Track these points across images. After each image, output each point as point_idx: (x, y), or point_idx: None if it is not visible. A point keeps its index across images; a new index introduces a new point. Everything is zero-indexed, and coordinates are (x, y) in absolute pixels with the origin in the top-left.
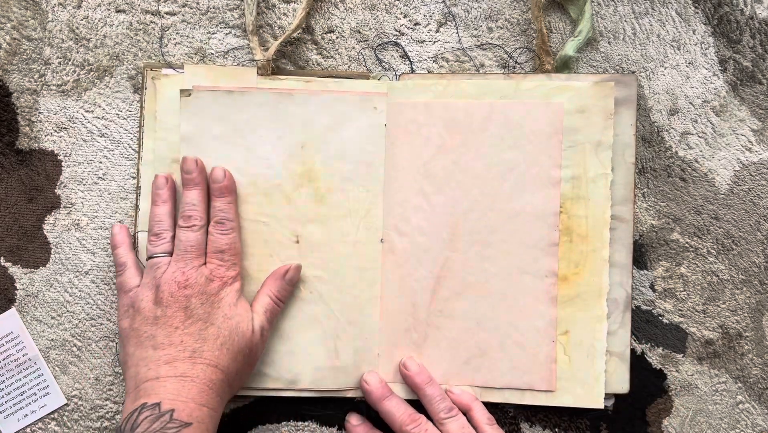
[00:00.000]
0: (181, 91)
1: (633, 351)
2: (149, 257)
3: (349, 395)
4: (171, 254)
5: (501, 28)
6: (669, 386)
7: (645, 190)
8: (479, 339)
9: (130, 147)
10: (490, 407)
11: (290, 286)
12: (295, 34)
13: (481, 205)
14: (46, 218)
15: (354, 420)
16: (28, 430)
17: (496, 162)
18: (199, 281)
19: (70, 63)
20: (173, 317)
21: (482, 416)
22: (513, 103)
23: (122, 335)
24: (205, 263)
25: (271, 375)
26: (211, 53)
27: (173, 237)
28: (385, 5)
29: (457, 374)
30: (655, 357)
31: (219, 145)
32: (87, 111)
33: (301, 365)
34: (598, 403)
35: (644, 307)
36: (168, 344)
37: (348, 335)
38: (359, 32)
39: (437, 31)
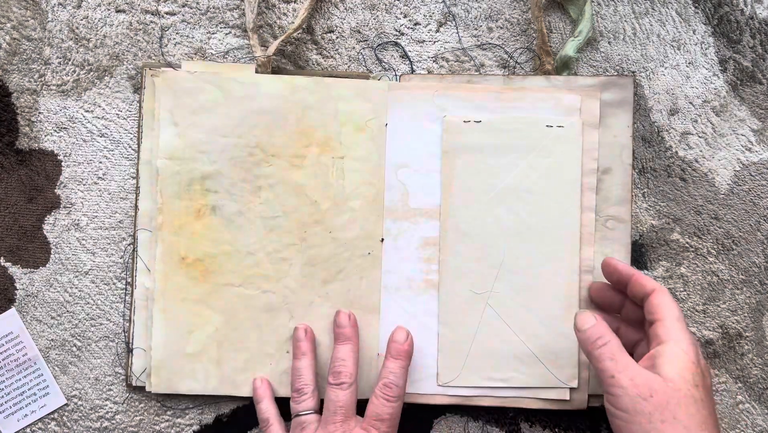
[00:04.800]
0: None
1: None
2: (294, 415)
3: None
4: (316, 410)
5: (501, 28)
6: None
7: (645, 190)
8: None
9: (130, 147)
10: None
11: None
12: (295, 34)
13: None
14: (46, 218)
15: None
16: (28, 430)
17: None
18: None
19: (70, 63)
20: None
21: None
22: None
23: None
24: (355, 426)
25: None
26: (211, 53)
27: (314, 391)
28: (385, 5)
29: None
30: None
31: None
32: (87, 111)
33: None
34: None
35: None
36: None
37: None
38: (359, 32)
39: (437, 31)
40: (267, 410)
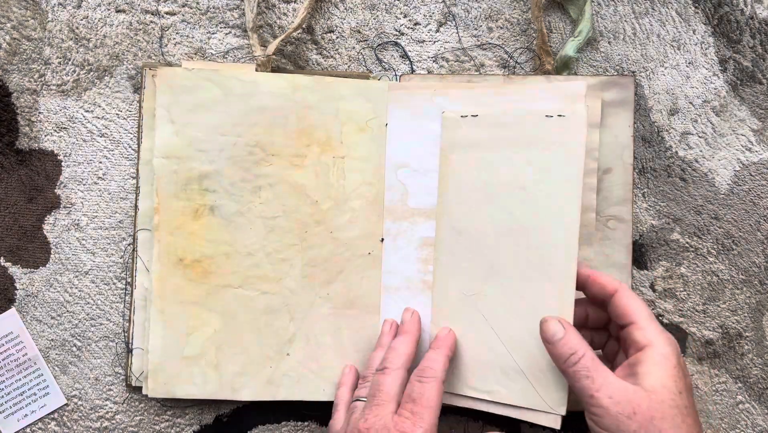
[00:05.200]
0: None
1: None
2: (353, 400)
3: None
4: None
5: (501, 28)
6: None
7: (645, 190)
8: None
9: (130, 147)
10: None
11: None
12: (295, 34)
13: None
14: (46, 218)
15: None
16: (28, 430)
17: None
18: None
19: (70, 63)
20: None
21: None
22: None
23: None
24: (396, 411)
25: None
26: (211, 53)
27: None
28: (385, 5)
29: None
30: None
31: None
32: (87, 111)
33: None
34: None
35: None
36: None
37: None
38: (359, 32)
39: (437, 31)
40: (341, 396)
